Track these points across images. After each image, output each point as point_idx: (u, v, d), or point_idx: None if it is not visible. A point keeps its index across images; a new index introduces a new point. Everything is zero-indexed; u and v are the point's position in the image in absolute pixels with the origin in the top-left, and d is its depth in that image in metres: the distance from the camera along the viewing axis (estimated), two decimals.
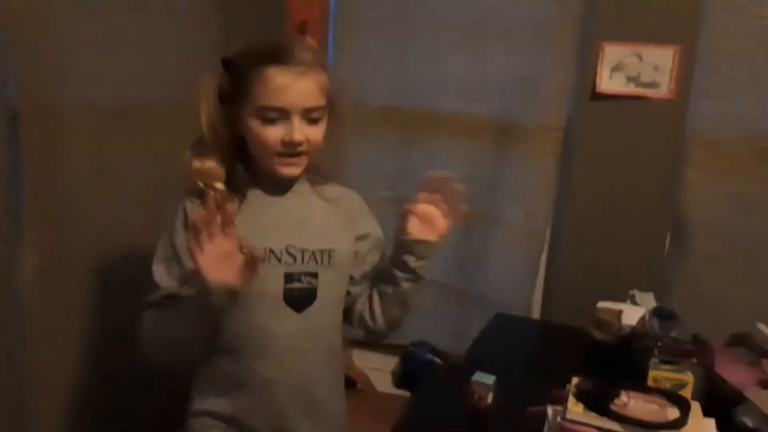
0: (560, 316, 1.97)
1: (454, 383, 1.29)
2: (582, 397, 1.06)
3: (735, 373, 1.24)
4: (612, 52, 1.83)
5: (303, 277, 1.14)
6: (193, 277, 0.99)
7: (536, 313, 2.13)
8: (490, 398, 1.22)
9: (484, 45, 2.02)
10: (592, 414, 1.03)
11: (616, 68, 1.84)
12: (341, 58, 2.14)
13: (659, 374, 1.17)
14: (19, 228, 1.35)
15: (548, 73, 1.94)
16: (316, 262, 1.15)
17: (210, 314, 1.01)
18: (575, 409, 1.04)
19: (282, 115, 1.07)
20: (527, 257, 2.08)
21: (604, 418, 1.01)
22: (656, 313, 1.34)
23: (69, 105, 1.42)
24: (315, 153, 1.13)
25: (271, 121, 1.07)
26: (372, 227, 1.25)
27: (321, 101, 1.10)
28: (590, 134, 1.93)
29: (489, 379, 1.23)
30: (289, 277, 1.13)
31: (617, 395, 1.05)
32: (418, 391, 1.52)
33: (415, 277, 1.17)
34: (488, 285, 2.17)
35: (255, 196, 1.14)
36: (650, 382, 1.17)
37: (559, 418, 1.05)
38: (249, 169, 1.14)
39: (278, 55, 1.06)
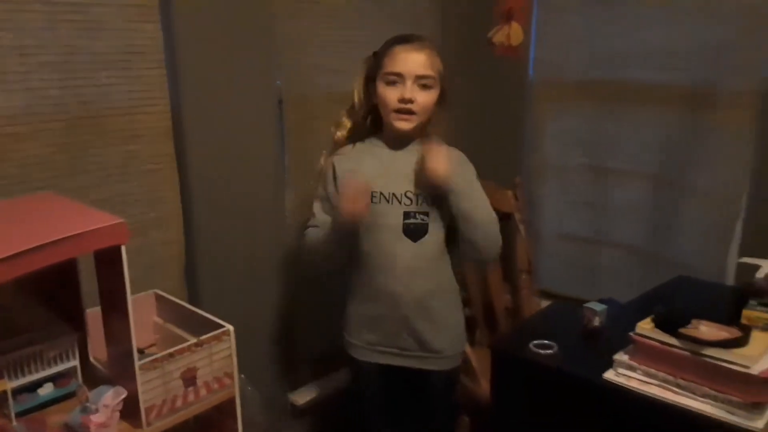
0: None
1: None
2: (658, 319, 1.25)
3: None
4: None
5: (417, 215, 1.51)
6: (337, 212, 1.47)
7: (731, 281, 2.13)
8: (597, 321, 1.46)
9: (680, 14, 2.08)
10: (658, 331, 1.22)
11: None
12: (543, 40, 2.39)
13: (752, 314, 1.28)
14: (285, 176, 2.00)
15: (744, 39, 1.94)
16: (428, 204, 1.51)
17: (342, 230, 1.48)
18: (644, 326, 1.25)
19: (399, 78, 1.45)
20: (721, 224, 2.10)
21: (666, 335, 1.20)
22: None
23: (315, 94, 2.04)
24: (425, 116, 1.49)
25: (392, 83, 1.47)
26: (471, 178, 1.55)
27: (430, 72, 1.46)
28: None
29: (599, 307, 1.47)
30: (406, 215, 1.51)
31: (689, 322, 1.22)
32: (547, 309, 1.77)
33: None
34: (680, 250, 2.23)
35: (383, 153, 1.56)
36: (744, 320, 1.28)
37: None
38: (380, 133, 1.57)
39: (405, 38, 1.47)
